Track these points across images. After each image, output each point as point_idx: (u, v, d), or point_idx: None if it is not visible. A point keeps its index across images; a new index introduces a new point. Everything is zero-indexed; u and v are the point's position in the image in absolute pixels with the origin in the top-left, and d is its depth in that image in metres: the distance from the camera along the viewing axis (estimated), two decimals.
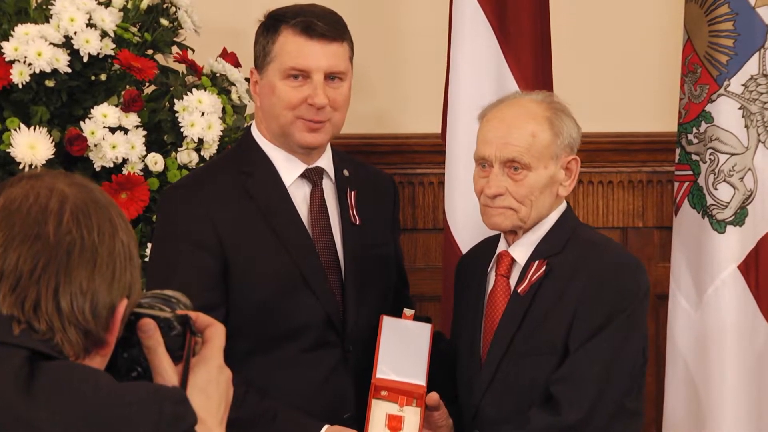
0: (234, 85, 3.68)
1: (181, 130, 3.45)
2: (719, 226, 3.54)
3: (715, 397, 3.54)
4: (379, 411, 2.81)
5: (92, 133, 3.34)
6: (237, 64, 3.74)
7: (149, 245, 3.26)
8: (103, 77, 3.43)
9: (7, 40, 3.35)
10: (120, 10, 3.51)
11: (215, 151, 3.48)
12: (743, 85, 3.52)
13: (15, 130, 3.31)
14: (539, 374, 2.80)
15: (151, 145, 3.43)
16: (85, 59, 3.38)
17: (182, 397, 1.65)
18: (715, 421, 3.54)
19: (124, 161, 3.38)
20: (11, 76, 3.31)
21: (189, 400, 1.65)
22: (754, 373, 3.54)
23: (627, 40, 4.08)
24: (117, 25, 3.46)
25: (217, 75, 3.66)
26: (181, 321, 1.76)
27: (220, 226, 2.84)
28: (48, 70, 3.32)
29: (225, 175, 2.94)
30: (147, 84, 3.53)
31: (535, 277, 2.85)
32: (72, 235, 1.65)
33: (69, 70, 3.34)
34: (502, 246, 2.95)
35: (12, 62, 3.32)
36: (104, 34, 3.42)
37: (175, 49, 3.66)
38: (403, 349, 2.88)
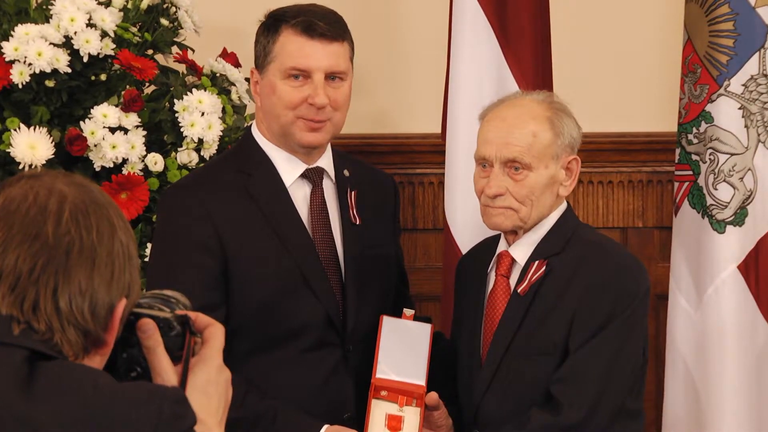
0: (234, 85, 3.68)
1: (181, 130, 3.45)
2: (719, 226, 3.54)
3: (715, 397, 3.54)
4: (379, 411, 2.81)
5: (92, 133, 3.34)
6: (237, 64, 3.74)
7: (149, 245, 3.26)
8: (103, 77, 3.44)
9: (8, 40, 3.35)
10: (120, 10, 3.51)
11: (215, 151, 3.48)
12: (743, 85, 3.52)
13: (15, 130, 3.31)
14: (539, 374, 2.80)
15: (151, 145, 3.43)
16: (86, 59, 3.38)
17: (182, 397, 1.65)
18: (715, 421, 3.54)
19: (124, 161, 3.38)
20: (11, 76, 3.31)
21: (188, 400, 1.66)
22: (754, 373, 3.54)
23: (627, 40, 4.08)
24: (117, 25, 3.46)
25: (217, 75, 3.66)
26: (180, 321, 1.76)
27: (221, 226, 2.84)
28: (48, 70, 3.32)
29: (225, 175, 2.94)
30: (147, 84, 3.53)
31: (535, 277, 2.85)
32: (71, 235, 1.65)
33: (69, 70, 3.34)
34: (502, 246, 2.95)
35: (12, 62, 3.32)
36: (104, 34, 3.42)
37: (175, 49, 3.66)
38: (403, 349, 2.88)
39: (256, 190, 2.90)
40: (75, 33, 3.36)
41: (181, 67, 3.67)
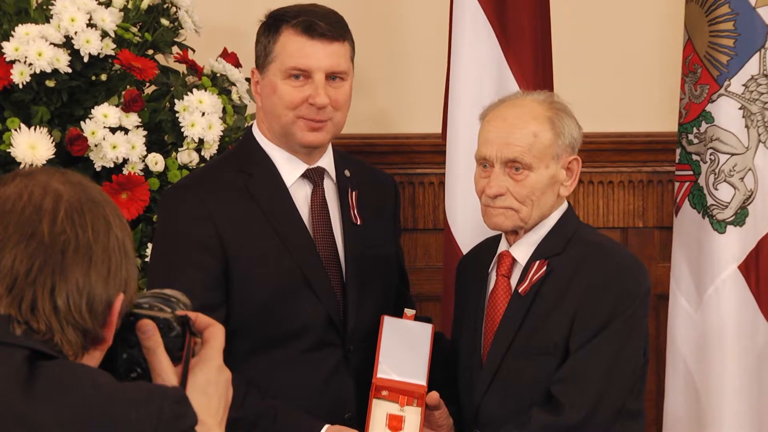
0: (234, 85, 3.68)
1: (182, 130, 3.45)
2: (719, 226, 3.54)
3: (716, 396, 3.54)
4: (380, 411, 2.81)
5: (93, 133, 3.34)
6: (237, 64, 3.74)
7: (150, 245, 3.26)
8: (103, 77, 3.44)
9: (8, 40, 3.35)
10: (120, 10, 3.51)
11: (216, 152, 3.48)
12: (744, 85, 3.52)
13: (15, 130, 3.31)
14: (540, 374, 2.80)
15: (151, 145, 3.43)
16: (86, 59, 3.38)
17: (182, 397, 1.65)
18: (715, 421, 3.54)
19: (125, 161, 3.38)
20: (12, 76, 3.31)
21: (189, 400, 1.66)
22: (754, 373, 3.54)
23: (627, 40, 4.08)
24: (117, 25, 3.46)
25: (218, 75, 3.66)
26: (180, 322, 1.75)
27: (221, 226, 2.84)
28: (48, 70, 3.32)
29: (226, 175, 2.93)
30: (147, 84, 3.53)
31: (536, 277, 2.85)
32: (66, 234, 1.65)
33: (69, 70, 3.34)
34: (503, 246, 2.95)
35: (12, 62, 3.32)
36: (105, 34, 3.42)
37: (175, 49, 3.66)
38: (403, 349, 2.88)
39: (256, 190, 2.90)
40: (75, 33, 3.36)
41: (182, 67, 3.67)
